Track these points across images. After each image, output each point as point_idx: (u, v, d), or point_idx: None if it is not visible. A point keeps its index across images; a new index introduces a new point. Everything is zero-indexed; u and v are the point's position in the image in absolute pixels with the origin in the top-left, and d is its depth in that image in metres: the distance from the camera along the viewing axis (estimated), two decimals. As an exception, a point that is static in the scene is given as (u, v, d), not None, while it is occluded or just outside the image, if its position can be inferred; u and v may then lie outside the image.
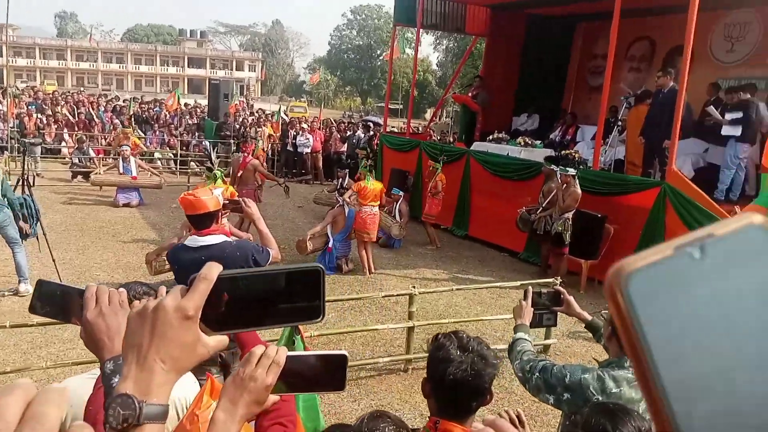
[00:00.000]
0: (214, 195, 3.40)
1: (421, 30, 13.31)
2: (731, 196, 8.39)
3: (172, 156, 15.56)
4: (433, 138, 14.89)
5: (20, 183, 7.50)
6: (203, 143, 16.44)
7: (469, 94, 12.78)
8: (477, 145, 11.11)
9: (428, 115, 53.97)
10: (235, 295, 0.79)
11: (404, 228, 9.53)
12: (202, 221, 3.36)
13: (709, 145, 9.38)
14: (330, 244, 8.01)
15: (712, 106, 8.97)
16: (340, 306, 6.67)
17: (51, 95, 19.94)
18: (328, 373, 1.03)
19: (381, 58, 69.76)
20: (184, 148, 16.12)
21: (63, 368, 4.63)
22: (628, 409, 1.64)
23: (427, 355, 1.91)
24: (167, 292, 0.79)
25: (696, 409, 0.33)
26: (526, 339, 2.43)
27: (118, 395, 0.74)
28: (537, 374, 2.24)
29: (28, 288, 6.62)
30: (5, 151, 13.40)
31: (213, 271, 0.77)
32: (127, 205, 11.41)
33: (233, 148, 15.26)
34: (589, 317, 2.61)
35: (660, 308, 0.34)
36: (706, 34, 10.47)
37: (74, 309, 1.21)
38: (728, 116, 8.31)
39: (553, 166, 8.23)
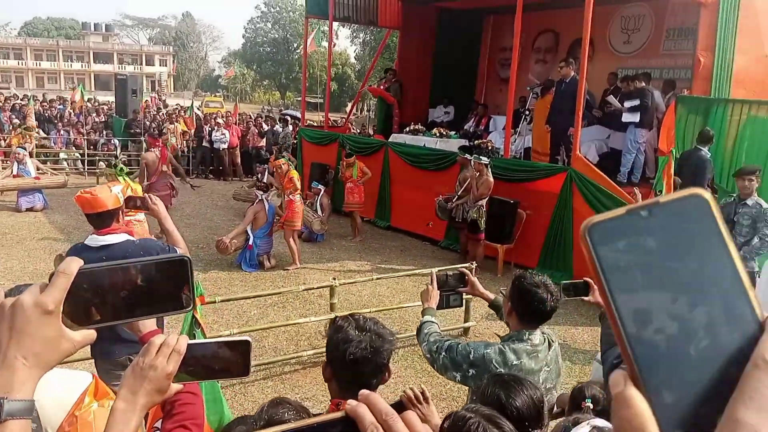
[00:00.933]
0: (113, 192, 3.31)
1: (335, 23, 13.29)
2: (632, 178, 8.95)
3: (79, 156, 14.80)
4: (352, 131, 14.96)
5: None
6: (111, 141, 15.75)
7: (382, 87, 12.92)
8: (395, 137, 11.28)
9: (348, 108, 54.06)
10: (100, 288, 0.79)
11: (325, 223, 9.56)
12: (101, 220, 3.26)
13: (611, 131, 9.97)
14: (250, 241, 7.91)
15: (611, 95, 9.52)
16: (262, 302, 6.63)
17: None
18: (233, 360, 1.03)
19: (298, 51, 68.86)
20: (92, 147, 15.37)
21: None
22: (521, 379, 1.75)
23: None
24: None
25: (644, 332, 0.45)
26: (432, 321, 2.54)
27: None
28: (444, 354, 2.35)
29: None
30: None
31: (72, 265, 0.77)
32: (30, 209, 10.77)
33: (144, 146, 14.72)
34: (492, 296, 2.76)
35: (614, 250, 0.46)
36: (605, 27, 11.09)
37: None
38: (627, 104, 8.84)
39: (467, 156, 8.49)
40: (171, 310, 0.86)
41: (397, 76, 12.88)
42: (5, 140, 14.88)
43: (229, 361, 1.03)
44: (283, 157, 8.59)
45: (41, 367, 0.77)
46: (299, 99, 57.24)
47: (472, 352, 2.31)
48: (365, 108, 44.96)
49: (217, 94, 56.02)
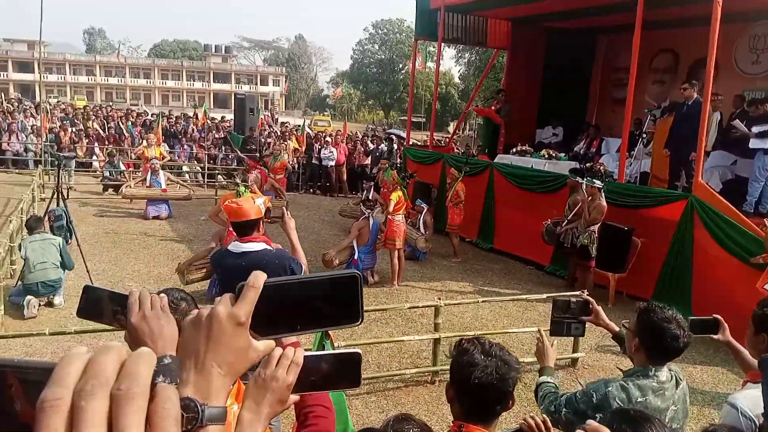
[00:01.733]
0: (256, 204, 3.53)
1: (442, 44, 13.44)
2: (760, 208, 8.30)
3: (200, 169, 15.84)
4: (457, 150, 14.97)
5: (54, 196, 7.75)
6: (230, 157, 16.77)
7: (492, 108, 12.84)
8: (500, 158, 11.15)
9: (451, 128, 54.05)
10: (281, 301, 0.84)
11: (430, 240, 9.59)
12: (244, 228, 3.50)
13: (737, 158, 9.30)
14: (355, 257, 8.10)
15: (737, 120, 8.91)
16: (366, 317, 6.73)
17: (82, 110, 20.47)
18: (344, 371, 1.06)
19: (403, 72, 70.13)
20: (212, 161, 16.42)
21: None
22: (650, 416, 1.67)
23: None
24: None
25: None
26: (549, 382, 2.47)
27: (181, 399, 0.80)
28: (564, 409, 2.27)
29: (61, 300, 6.82)
30: (39, 165, 13.80)
31: (260, 279, 0.82)
32: (156, 217, 11.66)
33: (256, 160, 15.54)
34: (617, 328, 2.65)
35: None
36: (731, 46, 10.42)
37: (114, 313, 1.27)
38: (755, 129, 8.24)
39: (578, 179, 8.24)
40: (343, 324, 0.90)
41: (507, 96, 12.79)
42: (135, 153, 16.28)
43: (341, 372, 1.06)
44: (403, 178, 8.74)
45: (232, 376, 0.82)
46: (402, 118, 58.35)
47: (594, 395, 2.22)
48: (467, 128, 44.81)
49: (325, 113, 58.05)
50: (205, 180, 15.32)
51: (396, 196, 8.32)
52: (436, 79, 13.99)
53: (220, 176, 15.52)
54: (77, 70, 67.06)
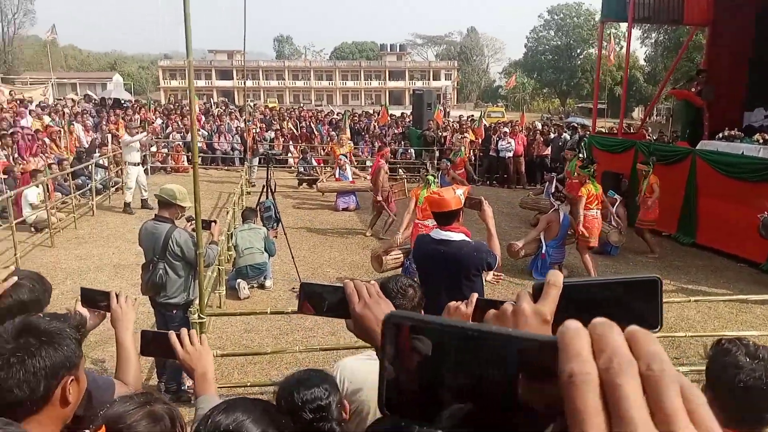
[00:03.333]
0: (456, 195, 3.62)
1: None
2: None
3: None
4: (649, 138, 13.89)
5: (264, 190, 8.60)
6: (408, 151, 17.27)
7: (692, 90, 11.70)
8: (704, 144, 10.12)
9: (636, 113, 50.28)
10: (576, 302, 0.82)
11: (623, 234, 9.04)
12: (445, 218, 3.61)
13: None
14: (543, 250, 7.89)
15: None
16: (557, 312, 6.58)
17: (277, 111, 22.44)
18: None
19: (581, 57, 66.73)
20: (392, 156, 17.03)
21: (312, 353, 5.23)
22: None
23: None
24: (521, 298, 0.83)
25: None
26: None
27: None
28: None
29: (271, 283, 7.58)
30: (244, 162, 15.37)
31: (559, 278, 0.81)
32: (346, 209, 12.41)
33: (436, 154, 15.81)
34: None
35: None
36: None
37: (324, 305, 1.33)
38: None
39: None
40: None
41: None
42: (324, 150, 17.46)
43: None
44: (588, 169, 8.34)
45: None
46: (579, 105, 55.53)
47: None
48: (655, 113, 41.36)
49: (499, 104, 57.30)
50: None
51: (586, 189, 7.95)
52: (627, 61, 13.10)
53: (400, 170, 16.05)
54: (269, 75, 73.58)
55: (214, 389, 1.63)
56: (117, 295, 2.01)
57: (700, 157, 9.54)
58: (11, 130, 13.03)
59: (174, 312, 4.39)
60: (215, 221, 4.69)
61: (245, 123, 16.85)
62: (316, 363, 5.46)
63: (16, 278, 1.88)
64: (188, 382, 4.66)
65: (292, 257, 7.85)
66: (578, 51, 66.87)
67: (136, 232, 9.84)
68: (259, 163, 15.08)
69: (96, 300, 2.00)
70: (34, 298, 1.94)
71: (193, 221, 4.43)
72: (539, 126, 18.93)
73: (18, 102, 18.49)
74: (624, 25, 14.05)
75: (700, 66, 13.20)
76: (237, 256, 7.41)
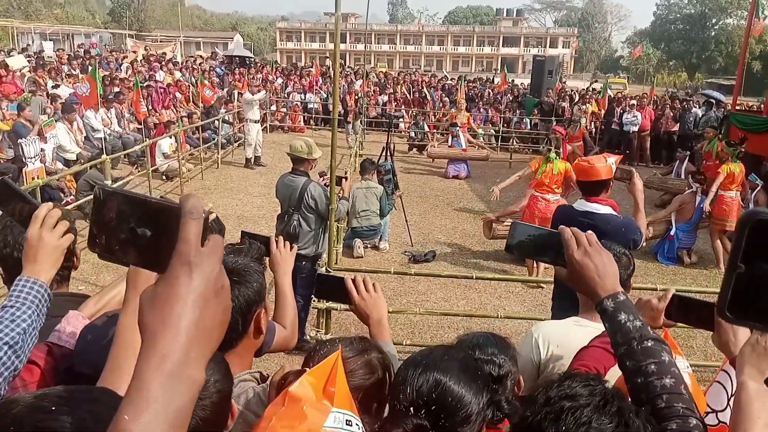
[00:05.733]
0: (608, 163, 3.39)
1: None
2: None
3: (494, 132, 16.12)
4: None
5: (384, 152, 8.65)
6: (523, 120, 16.71)
7: None
8: None
9: (775, 91, 45.53)
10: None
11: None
12: (592, 188, 3.40)
13: None
14: (672, 232, 7.41)
15: None
16: (685, 299, 6.20)
17: (394, 76, 22.44)
18: None
19: (716, 27, 61.27)
20: (506, 125, 16.58)
21: (426, 316, 5.27)
22: None
23: None
24: None
25: None
26: None
27: None
28: None
29: (386, 245, 7.66)
30: (348, 124, 15.40)
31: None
32: (456, 177, 12.28)
33: (554, 124, 15.17)
34: None
35: None
36: None
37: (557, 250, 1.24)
38: None
39: None
40: None
41: None
42: (435, 116, 17.30)
43: None
44: (734, 148, 7.68)
45: None
46: (709, 81, 51.11)
47: None
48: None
49: (621, 75, 54.01)
50: (499, 143, 15.55)
51: (727, 168, 7.33)
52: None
53: (513, 140, 15.60)
54: (380, 39, 73.58)
55: (389, 335, 1.64)
56: (276, 241, 2.06)
57: None
58: (146, 84, 13.94)
59: (303, 263, 4.53)
60: (346, 177, 4.77)
61: (359, 86, 17.01)
62: (429, 326, 5.50)
63: (215, 214, 1.98)
64: (310, 333, 4.84)
65: (406, 221, 7.90)
66: (713, 21, 61.40)
67: (257, 186, 10.46)
68: (375, 126, 15.13)
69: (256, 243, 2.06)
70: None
71: (326, 176, 4.52)
72: (669, 99, 17.62)
73: (155, 57, 19.73)
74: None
75: None
76: (352, 215, 7.51)
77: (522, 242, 1.26)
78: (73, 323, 1.35)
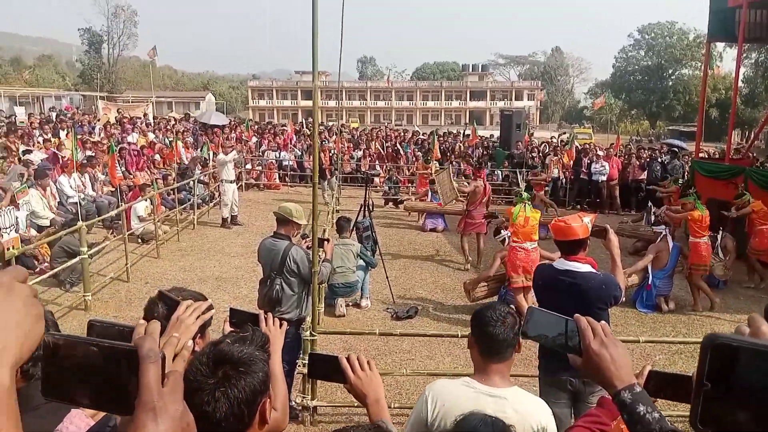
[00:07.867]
0: (583, 222, 3.47)
1: (722, 44, 11.90)
2: None
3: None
4: (758, 164, 13.08)
5: (361, 209, 8.72)
6: (495, 173, 17.04)
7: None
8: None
9: (733, 137, 47.40)
10: None
11: (729, 268, 8.52)
12: (570, 247, 3.46)
13: None
14: (649, 281, 7.54)
15: None
16: (667, 348, 6.25)
17: (368, 132, 22.80)
18: None
19: (673, 77, 64.10)
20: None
21: (420, 376, 5.22)
22: None
23: None
24: None
25: None
26: None
27: None
28: None
29: (368, 303, 7.62)
30: (324, 180, 15.57)
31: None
32: (433, 230, 12.38)
33: (525, 176, 15.50)
34: None
35: None
36: None
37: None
38: None
39: None
40: None
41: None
42: (409, 170, 17.55)
43: None
44: (689, 195, 7.97)
45: None
46: (670, 128, 53.06)
47: None
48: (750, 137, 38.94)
49: (586, 125, 55.76)
50: (473, 195, 15.76)
51: (698, 214, 7.57)
52: (736, 83, 12.46)
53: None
54: (351, 96, 75.04)
55: (387, 415, 1.62)
56: (265, 318, 2.03)
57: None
58: (119, 146, 13.92)
59: (287, 328, 4.48)
60: (328, 239, 4.78)
61: (334, 143, 17.23)
62: (417, 387, 5.43)
63: (213, 310, 1.93)
64: (296, 399, 4.74)
65: (386, 277, 7.90)
66: (670, 71, 64.29)
67: (234, 246, 10.38)
68: (350, 181, 15.28)
69: (244, 321, 1.99)
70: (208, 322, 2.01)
71: (309, 239, 4.53)
72: (634, 149, 18.21)
73: (127, 119, 19.76)
74: (720, 45, 13.34)
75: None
76: (331, 273, 7.46)
77: (538, 329, 1.24)
78: (77, 423, 1.32)
